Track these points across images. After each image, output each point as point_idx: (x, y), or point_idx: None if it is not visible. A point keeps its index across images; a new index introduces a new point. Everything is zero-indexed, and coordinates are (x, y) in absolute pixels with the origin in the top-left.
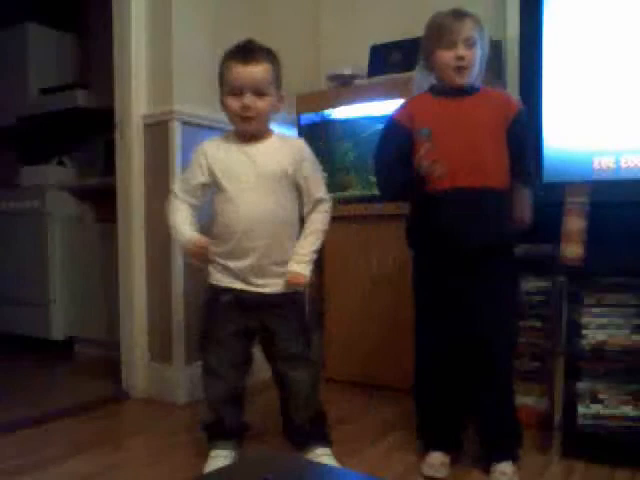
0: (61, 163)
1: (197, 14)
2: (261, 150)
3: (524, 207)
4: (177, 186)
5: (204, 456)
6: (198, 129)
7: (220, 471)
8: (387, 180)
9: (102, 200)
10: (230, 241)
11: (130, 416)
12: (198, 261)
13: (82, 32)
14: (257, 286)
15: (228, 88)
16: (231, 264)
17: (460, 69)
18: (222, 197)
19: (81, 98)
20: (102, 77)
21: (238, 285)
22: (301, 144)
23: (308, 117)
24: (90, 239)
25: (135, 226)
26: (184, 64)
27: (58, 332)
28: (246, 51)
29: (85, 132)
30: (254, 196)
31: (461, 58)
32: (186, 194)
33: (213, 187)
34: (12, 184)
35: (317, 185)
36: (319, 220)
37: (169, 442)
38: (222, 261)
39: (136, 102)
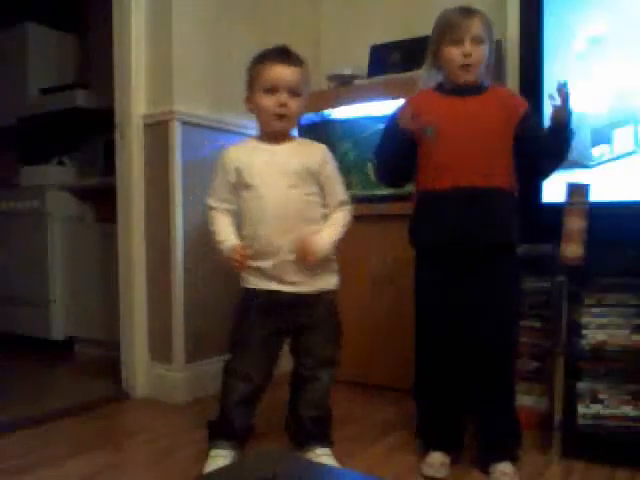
0: (61, 163)
1: (197, 14)
2: (284, 149)
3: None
4: (211, 199)
5: (204, 456)
6: (198, 129)
7: (220, 471)
8: (385, 168)
9: (102, 200)
10: (258, 239)
11: (130, 416)
12: (238, 269)
13: (82, 32)
14: (292, 284)
15: (262, 87)
16: (262, 264)
17: (466, 67)
18: (247, 195)
19: (81, 98)
20: (102, 77)
21: (273, 286)
22: (323, 147)
23: (308, 117)
24: (90, 239)
25: (135, 226)
26: (184, 64)
27: (58, 332)
28: (284, 53)
29: (85, 132)
30: (278, 192)
31: (468, 55)
32: (222, 202)
33: (239, 188)
34: (12, 184)
35: (339, 187)
36: (341, 217)
37: (169, 442)
38: (254, 263)
39: (136, 102)
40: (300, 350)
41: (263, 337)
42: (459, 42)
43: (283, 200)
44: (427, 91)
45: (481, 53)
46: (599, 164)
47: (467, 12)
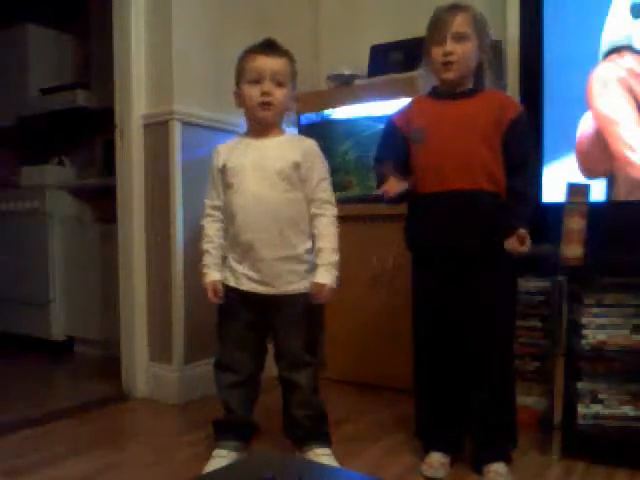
0: (61, 163)
1: (197, 14)
2: (269, 145)
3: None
4: (207, 202)
5: (204, 456)
6: (198, 129)
7: (220, 471)
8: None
9: (102, 200)
10: (235, 235)
11: (130, 416)
12: (210, 301)
13: (82, 32)
14: (265, 285)
15: (247, 77)
16: (239, 264)
17: (447, 64)
18: (229, 193)
19: (81, 98)
20: (102, 77)
21: (247, 285)
22: (312, 143)
23: (308, 117)
24: (90, 239)
25: (135, 226)
26: (184, 64)
27: (58, 332)
28: (268, 44)
29: (85, 132)
30: (256, 188)
31: (448, 54)
32: (215, 210)
33: (224, 186)
34: (12, 184)
35: (323, 185)
36: (328, 230)
37: (169, 442)
38: (233, 263)
39: (136, 102)
40: (277, 353)
41: (241, 331)
42: (441, 41)
43: (259, 196)
44: (422, 96)
45: (464, 50)
46: None
47: (451, 8)
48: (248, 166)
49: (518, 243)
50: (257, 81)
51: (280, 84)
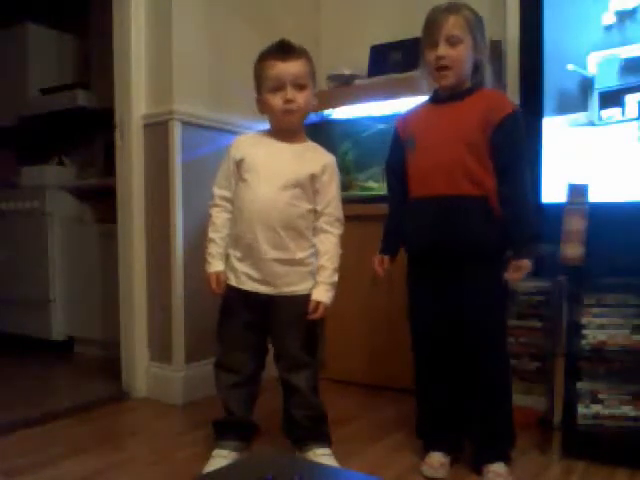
0: (61, 163)
1: (197, 14)
2: (290, 150)
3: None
4: (217, 192)
5: (204, 456)
6: (198, 129)
7: (220, 471)
8: (388, 193)
9: (102, 200)
10: (239, 232)
11: (130, 416)
12: (212, 294)
13: (82, 32)
14: (267, 285)
15: (268, 85)
16: (240, 262)
17: (441, 69)
18: (242, 187)
19: (81, 98)
20: (102, 77)
21: (249, 285)
22: (332, 159)
23: (308, 117)
24: (90, 239)
25: (135, 226)
26: (184, 64)
27: (58, 332)
28: (283, 48)
29: (85, 132)
30: (268, 189)
31: (440, 58)
32: (224, 200)
33: (236, 179)
34: (12, 184)
35: (337, 204)
36: (335, 243)
37: (169, 442)
38: (234, 261)
39: (136, 102)
40: (276, 354)
41: (241, 331)
42: (434, 44)
43: (270, 201)
44: (425, 101)
45: (458, 54)
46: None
47: (444, 10)
48: (265, 166)
49: (514, 272)
50: (278, 88)
51: (302, 87)
